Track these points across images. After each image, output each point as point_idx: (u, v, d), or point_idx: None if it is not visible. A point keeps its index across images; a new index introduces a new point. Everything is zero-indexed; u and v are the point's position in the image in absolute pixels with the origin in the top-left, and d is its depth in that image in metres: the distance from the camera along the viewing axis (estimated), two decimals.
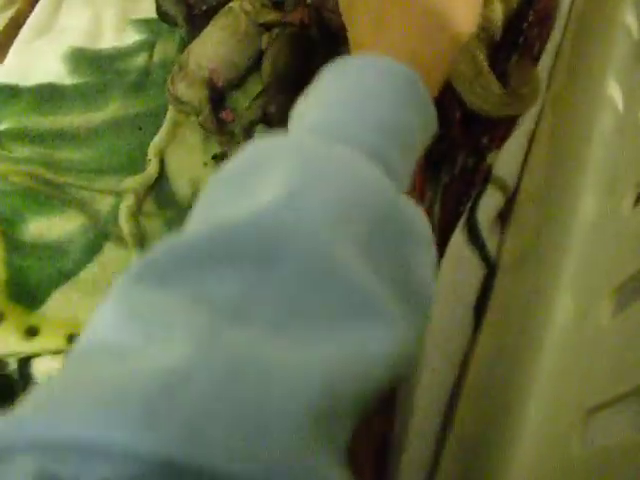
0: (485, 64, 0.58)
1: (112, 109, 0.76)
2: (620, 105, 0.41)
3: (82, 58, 0.83)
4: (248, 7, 0.74)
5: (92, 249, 0.65)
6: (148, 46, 0.82)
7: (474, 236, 0.49)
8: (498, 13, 0.57)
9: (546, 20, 0.56)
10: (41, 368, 0.59)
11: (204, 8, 0.78)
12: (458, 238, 0.49)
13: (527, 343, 0.37)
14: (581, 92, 0.46)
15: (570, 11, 0.55)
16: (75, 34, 0.85)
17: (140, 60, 0.81)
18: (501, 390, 0.37)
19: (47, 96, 0.79)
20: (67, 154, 0.73)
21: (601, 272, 0.36)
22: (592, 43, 0.48)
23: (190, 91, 0.72)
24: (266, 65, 0.72)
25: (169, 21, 0.82)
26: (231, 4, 0.76)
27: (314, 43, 0.70)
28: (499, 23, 0.58)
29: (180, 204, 0.68)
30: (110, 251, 0.65)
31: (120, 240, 0.65)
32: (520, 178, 0.51)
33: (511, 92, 0.57)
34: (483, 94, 0.58)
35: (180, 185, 0.69)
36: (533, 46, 0.57)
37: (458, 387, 0.43)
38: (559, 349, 0.34)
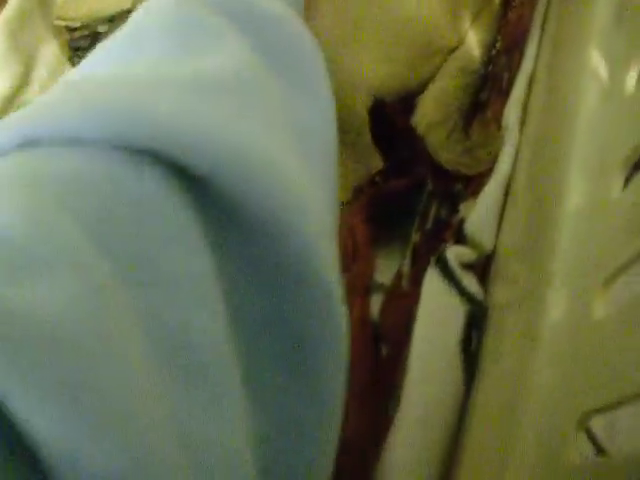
0: (455, 115, 0.53)
1: None
2: (604, 74, 0.36)
3: None
4: None
5: None
6: None
7: (447, 273, 0.43)
8: (475, 49, 0.53)
9: (515, 46, 0.52)
10: None
11: None
12: (431, 278, 0.43)
13: (521, 342, 0.33)
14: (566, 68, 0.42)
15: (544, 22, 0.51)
16: None
17: None
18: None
19: None
20: None
21: (593, 264, 0.31)
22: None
23: None
24: None
25: None
26: None
27: None
28: (478, 60, 0.53)
29: None
30: None
31: None
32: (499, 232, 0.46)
33: (468, 150, 0.52)
34: (444, 144, 0.53)
35: None
36: (501, 78, 0.52)
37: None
38: (552, 348, 0.30)
